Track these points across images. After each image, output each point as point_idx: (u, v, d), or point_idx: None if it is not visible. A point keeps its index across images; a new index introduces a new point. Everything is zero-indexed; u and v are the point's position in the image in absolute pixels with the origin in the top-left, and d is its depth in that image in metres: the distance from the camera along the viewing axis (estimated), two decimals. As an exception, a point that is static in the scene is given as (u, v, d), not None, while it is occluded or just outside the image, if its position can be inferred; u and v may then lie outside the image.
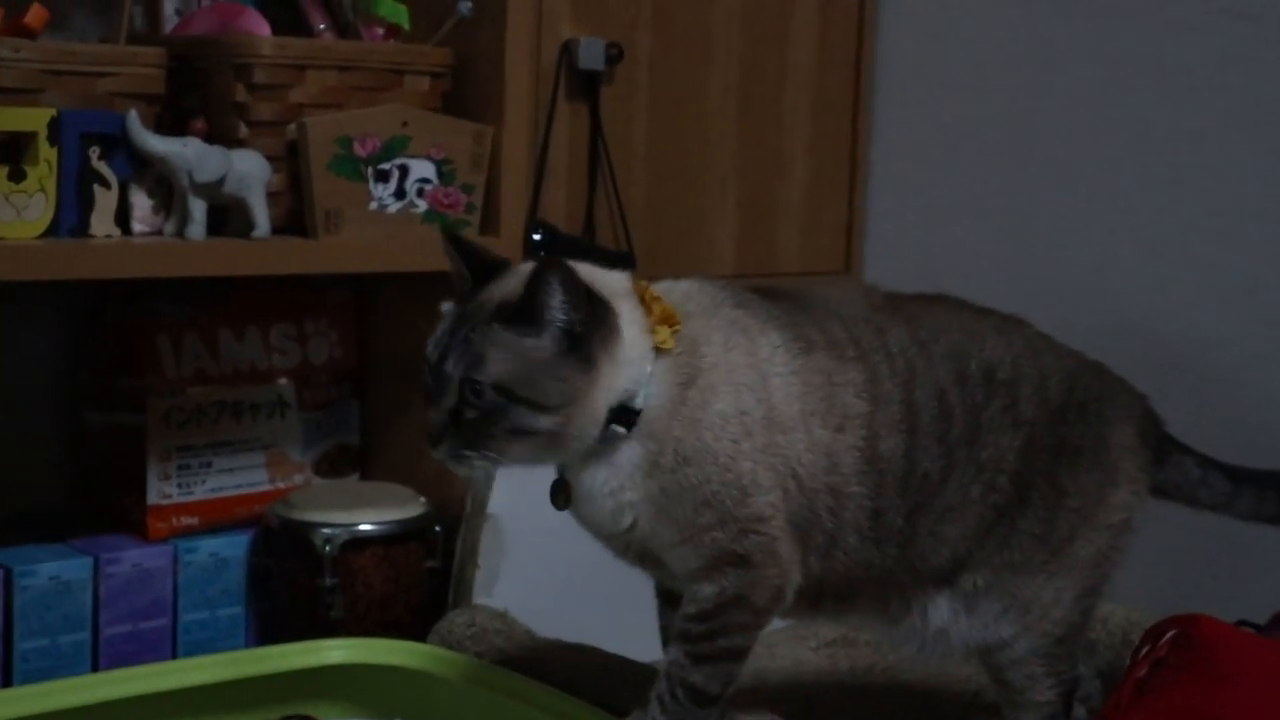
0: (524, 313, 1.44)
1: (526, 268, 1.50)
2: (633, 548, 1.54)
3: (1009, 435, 1.58)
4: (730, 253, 2.68)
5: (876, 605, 1.61)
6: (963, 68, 2.72)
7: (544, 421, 1.43)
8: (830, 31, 2.76)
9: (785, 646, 2.18)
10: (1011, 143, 2.66)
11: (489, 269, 1.53)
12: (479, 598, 2.09)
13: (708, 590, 1.49)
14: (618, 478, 1.48)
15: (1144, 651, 1.55)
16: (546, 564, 2.09)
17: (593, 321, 1.45)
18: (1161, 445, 1.67)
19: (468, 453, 1.44)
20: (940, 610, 1.60)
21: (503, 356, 1.43)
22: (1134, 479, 1.63)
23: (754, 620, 1.49)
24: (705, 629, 1.48)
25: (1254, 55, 2.36)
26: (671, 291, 1.54)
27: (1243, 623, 1.70)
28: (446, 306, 1.52)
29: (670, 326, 1.49)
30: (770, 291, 1.59)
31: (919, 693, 2.01)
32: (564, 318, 1.43)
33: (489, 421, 1.43)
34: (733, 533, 1.47)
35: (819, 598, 1.57)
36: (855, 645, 2.19)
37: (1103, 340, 1.80)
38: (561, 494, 1.53)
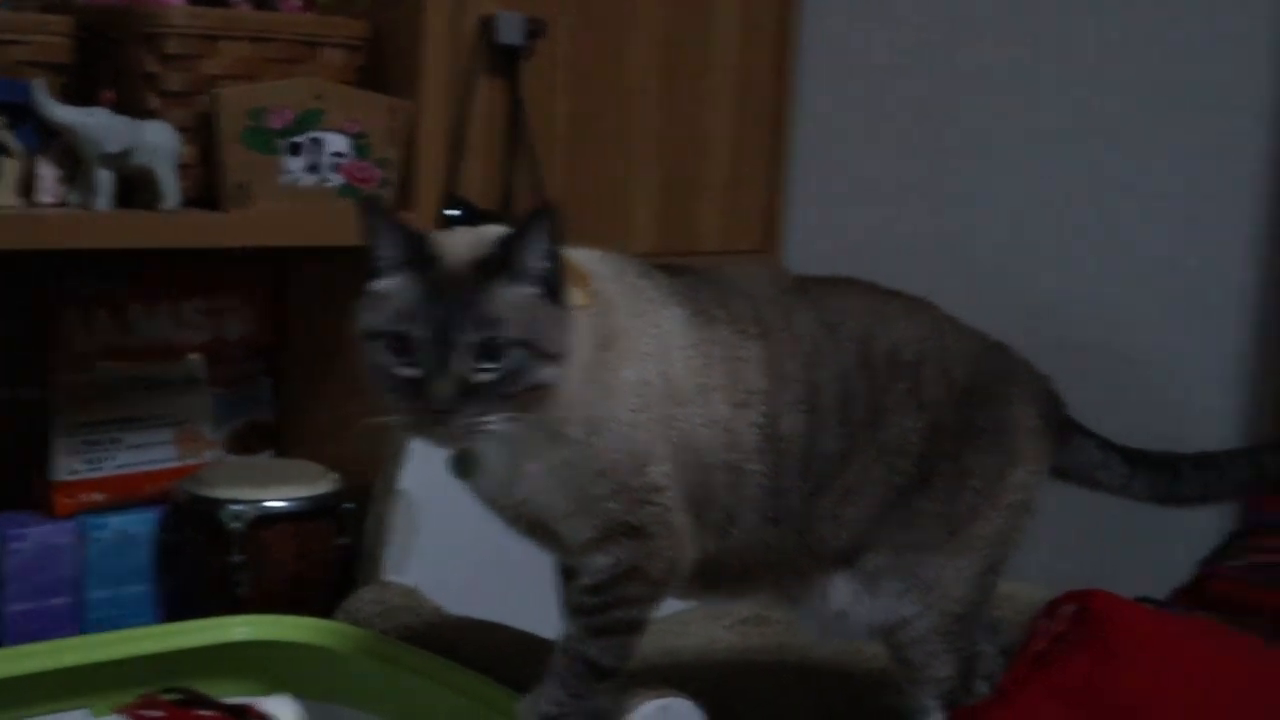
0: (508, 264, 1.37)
1: (471, 232, 1.45)
2: (524, 518, 1.51)
3: (912, 417, 1.58)
4: (651, 231, 2.68)
5: (775, 586, 1.60)
6: (885, 49, 2.72)
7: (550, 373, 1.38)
8: (753, 11, 2.76)
9: (698, 624, 2.17)
10: (932, 124, 2.67)
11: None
12: (391, 575, 2.07)
13: (602, 562, 1.47)
14: (517, 445, 1.42)
15: (1042, 626, 1.56)
16: (458, 541, 2.08)
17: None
18: (1063, 427, 1.68)
19: (489, 418, 1.35)
20: (840, 592, 1.60)
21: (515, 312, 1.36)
22: (1034, 459, 1.63)
23: (649, 592, 1.48)
24: (600, 601, 1.47)
25: (1169, 36, 2.38)
26: (574, 257, 1.49)
27: (1144, 599, 1.72)
28: (381, 284, 1.41)
29: (581, 287, 1.44)
30: (673, 267, 1.57)
31: (831, 670, 2.02)
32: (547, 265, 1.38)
33: (509, 380, 1.35)
34: (626, 503, 1.45)
35: (717, 577, 1.57)
36: (768, 623, 2.18)
37: (1015, 320, 1.81)
38: (465, 462, 1.47)
